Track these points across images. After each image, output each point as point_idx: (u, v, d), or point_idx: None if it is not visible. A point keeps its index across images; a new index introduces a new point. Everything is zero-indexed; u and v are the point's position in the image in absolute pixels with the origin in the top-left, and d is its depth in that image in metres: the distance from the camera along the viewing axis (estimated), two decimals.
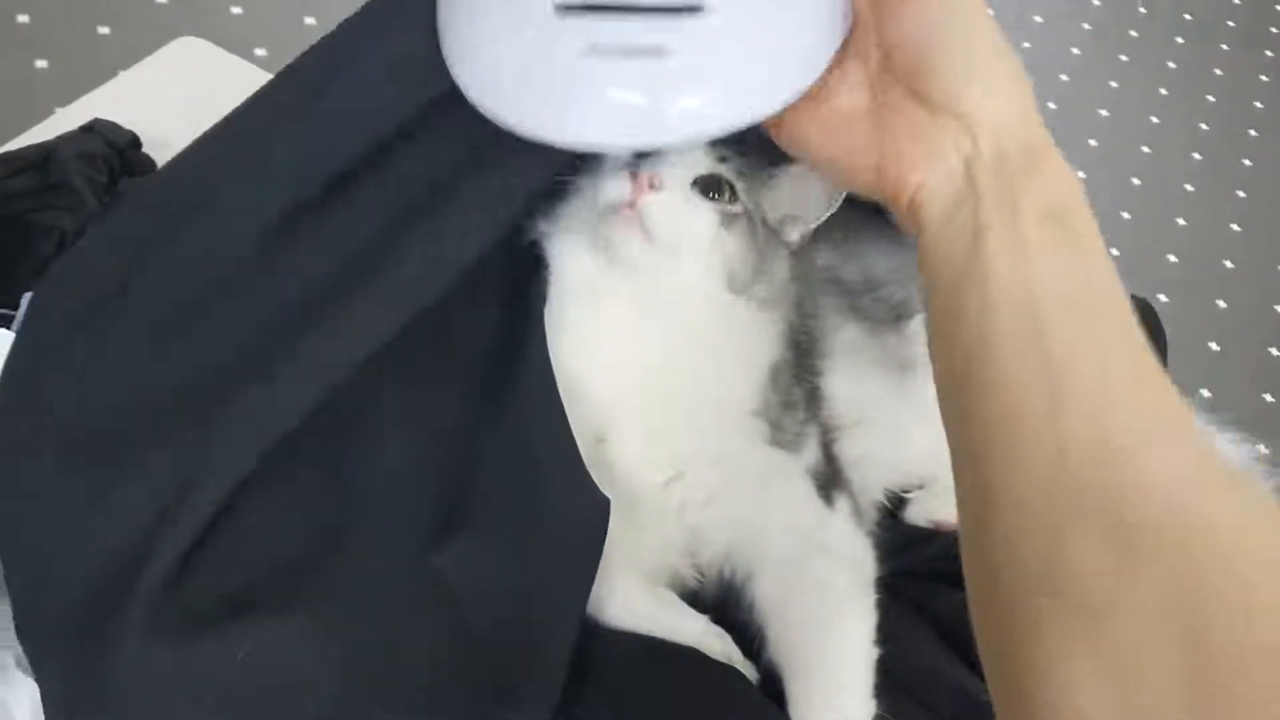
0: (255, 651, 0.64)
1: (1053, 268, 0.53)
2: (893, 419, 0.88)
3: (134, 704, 0.64)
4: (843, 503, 0.81)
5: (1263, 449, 1.02)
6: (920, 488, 0.91)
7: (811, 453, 0.81)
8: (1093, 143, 2.64)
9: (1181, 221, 2.52)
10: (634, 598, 0.76)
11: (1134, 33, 2.97)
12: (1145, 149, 2.67)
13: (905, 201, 0.57)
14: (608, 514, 0.71)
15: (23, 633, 0.67)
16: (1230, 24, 3.11)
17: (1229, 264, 2.46)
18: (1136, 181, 2.58)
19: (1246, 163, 2.72)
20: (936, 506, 0.90)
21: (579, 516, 0.71)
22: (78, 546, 0.67)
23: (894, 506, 0.91)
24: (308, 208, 0.71)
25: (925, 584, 0.82)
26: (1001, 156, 0.55)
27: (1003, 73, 0.57)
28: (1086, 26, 2.94)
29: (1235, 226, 2.55)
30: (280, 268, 0.71)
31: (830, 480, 0.81)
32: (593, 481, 0.72)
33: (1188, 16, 3.07)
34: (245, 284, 0.70)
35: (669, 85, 0.60)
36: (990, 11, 0.59)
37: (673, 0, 0.58)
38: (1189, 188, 2.61)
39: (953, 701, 0.74)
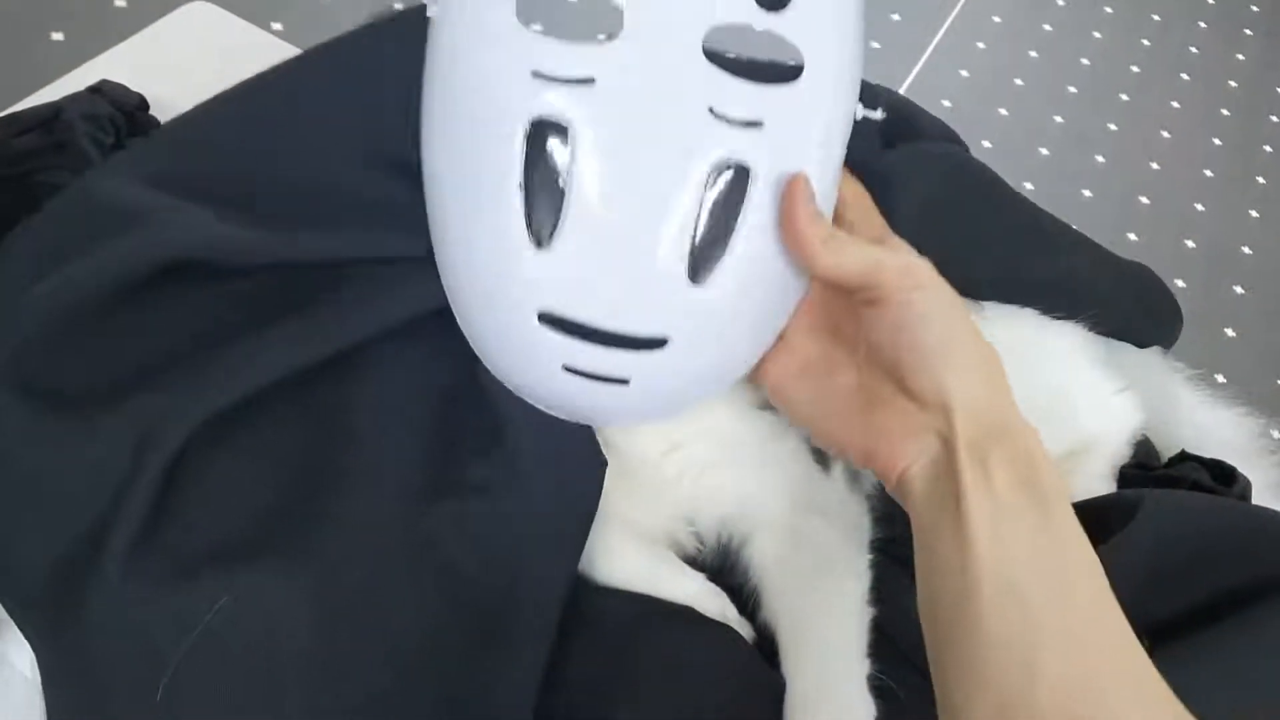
0: (236, 595, 0.64)
1: (1023, 536, 0.59)
2: None
3: (115, 650, 0.64)
4: (838, 469, 0.80)
5: (1276, 434, 1.02)
6: None
7: None
8: (1112, 127, 2.63)
9: (1200, 207, 2.50)
10: (629, 557, 0.76)
11: (1156, 16, 2.95)
12: (1165, 134, 2.65)
13: (893, 479, 0.64)
14: (603, 475, 0.72)
15: (4, 590, 0.68)
16: (1254, 8, 3.08)
17: (1247, 250, 2.44)
18: (1155, 166, 2.56)
19: (1267, 149, 2.69)
20: None
21: (574, 475, 0.71)
22: (50, 499, 0.67)
23: None
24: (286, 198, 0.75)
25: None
26: (975, 434, 0.61)
27: (976, 360, 0.64)
28: (1108, 10, 2.92)
29: (1254, 213, 2.53)
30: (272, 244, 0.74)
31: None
32: (596, 439, 0.72)
33: (1210, 1, 3.05)
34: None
35: (628, 404, 0.71)
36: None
37: (640, 335, 0.66)
38: (1208, 173, 2.59)
39: None
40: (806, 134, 0.68)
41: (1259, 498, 0.92)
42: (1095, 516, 0.78)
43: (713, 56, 0.64)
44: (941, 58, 2.63)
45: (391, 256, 0.74)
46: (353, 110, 0.76)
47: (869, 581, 0.76)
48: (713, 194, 0.65)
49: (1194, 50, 2.89)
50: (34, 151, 0.94)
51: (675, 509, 0.80)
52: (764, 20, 0.65)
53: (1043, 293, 0.91)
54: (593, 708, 0.69)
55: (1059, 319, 0.93)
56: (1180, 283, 2.29)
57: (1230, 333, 2.25)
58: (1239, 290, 2.35)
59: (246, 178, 0.76)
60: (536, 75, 0.64)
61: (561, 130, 0.64)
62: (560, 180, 0.64)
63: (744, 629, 0.75)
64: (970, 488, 0.60)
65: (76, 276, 0.71)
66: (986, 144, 2.45)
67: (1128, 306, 0.98)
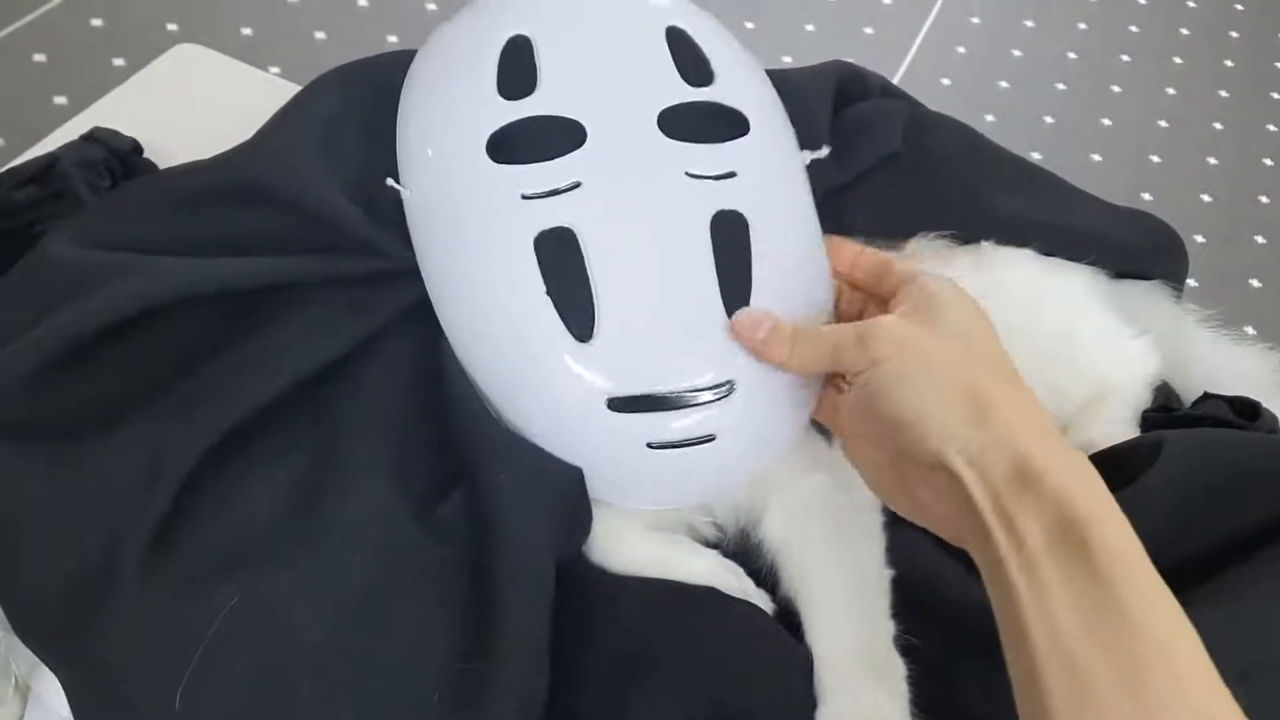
0: (247, 596, 0.66)
1: (1066, 598, 0.55)
2: None
3: (135, 663, 0.66)
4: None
5: None
6: None
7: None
8: (1116, 89, 2.61)
9: (1213, 160, 2.48)
10: (639, 544, 0.76)
11: None
12: (1171, 90, 2.63)
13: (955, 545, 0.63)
14: (580, 478, 0.74)
15: (20, 628, 0.69)
16: None
17: (1264, 199, 2.42)
18: (1164, 124, 2.54)
19: (1275, 95, 2.67)
20: None
21: (545, 476, 0.73)
22: (56, 529, 0.69)
23: None
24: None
25: None
26: (993, 489, 0.58)
27: (960, 407, 0.61)
28: None
29: (1268, 161, 2.50)
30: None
31: None
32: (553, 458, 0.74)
33: None
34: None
35: (721, 463, 0.73)
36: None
37: (707, 384, 0.70)
38: (1218, 126, 2.57)
39: (967, 615, 0.72)
40: (774, 173, 0.78)
41: None
42: (1119, 463, 0.78)
43: (671, 133, 0.75)
44: (938, 33, 2.63)
45: (350, 276, 0.79)
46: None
47: (885, 543, 0.76)
48: (720, 241, 0.73)
49: (1191, 4, 2.87)
50: (33, 203, 0.95)
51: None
52: (699, 94, 0.77)
53: (1040, 233, 0.91)
54: (616, 694, 0.69)
55: (1066, 260, 0.93)
56: (1199, 238, 2.28)
57: (1255, 283, 2.23)
58: (1261, 240, 2.33)
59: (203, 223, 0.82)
60: (525, 197, 0.72)
61: (566, 233, 0.71)
62: (581, 277, 0.71)
63: (764, 601, 0.75)
64: (1007, 556, 0.57)
65: (55, 327, 0.74)
66: (989, 117, 2.45)
67: (1130, 243, 0.98)
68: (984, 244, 0.91)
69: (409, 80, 0.83)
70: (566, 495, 0.73)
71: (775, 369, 0.72)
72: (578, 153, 0.73)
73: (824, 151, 0.83)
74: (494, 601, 0.68)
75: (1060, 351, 0.90)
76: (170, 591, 0.67)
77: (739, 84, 0.80)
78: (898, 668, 0.71)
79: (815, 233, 0.79)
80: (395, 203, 0.80)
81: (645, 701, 0.69)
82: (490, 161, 0.73)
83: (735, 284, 0.72)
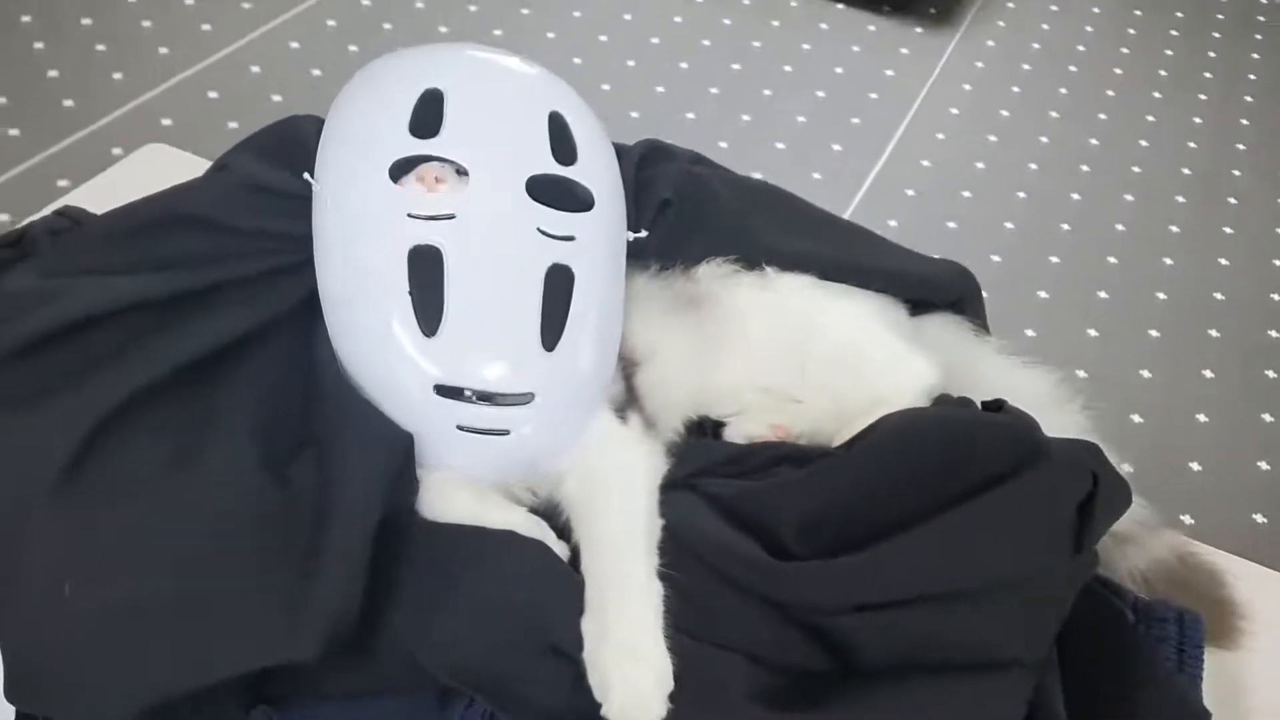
0: (122, 522, 0.87)
1: None
2: (684, 352, 1.06)
3: (38, 566, 0.86)
4: (634, 419, 1.00)
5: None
6: (737, 415, 1.10)
7: (616, 385, 1.01)
8: (1075, 196, 2.77)
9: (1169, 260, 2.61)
10: (457, 499, 0.94)
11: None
12: (1128, 196, 2.79)
13: None
14: (407, 446, 0.93)
15: None
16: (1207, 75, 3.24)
17: (1219, 295, 2.54)
18: (1120, 227, 2.69)
19: (1232, 201, 2.81)
20: (752, 429, 1.08)
21: (374, 454, 0.91)
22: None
23: (716, 430, 1.10)
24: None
25: (718, 479, 0.99)
26: None
27: None
28: (1062, 91, 3.09)
29: (1224, 260, 2.63)
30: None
31: (626, 404, 1.01)
32: (388, 424, 0.93)
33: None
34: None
35: (509, 453, 0.95)
36: None
37: (513, 393, 0.92)
38: (1174, 229, 2.71)
39: (721, 556, 0.91)
40: (604, 244, 0.99)
41: None
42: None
43: (534, 195, 0.94)
44: (905, 149, 2.82)
45: (245, 277, 1.00)
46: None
47: (657, 498, 0.94)
48: (550, 286, 0.93)
49: (1151, 118, 3.04)
50: (6, 262, 1.15)
51: None
52: (563, 170, 0.97)
53: (819, 264, 1.11)
54: (423, 611, 0.87)
55: (853, 287, 1.12)
56: (1154, 333, 2.41)
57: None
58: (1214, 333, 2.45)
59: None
60: (410, 216, 0.92)
61: (434, 251, 0.91)
62: (438, 287, 0.90)
63: (561, 549, 0.93)
64: None
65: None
66: (951, 224, 2.61)
67: (920, 274, 1.18)
68: (767, 269, 1.09)
69: (340, 97, 1.04)
70: (395, 452, 0.91)
71: (572, 391, 0.94)
72: (458, 193, 0.94)
73: (643, 234, 1.07)
74: (323, 530, 0.87)
75: (842, 362, 1.08)
76: (67, 517, 0.87)
77: (594, 169, 1.00)
78: (655, 589, 0.88)
79: (621, 293, 1.02)
80: (299, 208, 1.00)
81: (448, 615, 0.87)
82: (389, 181, 0.94)
83: (553, 321, 0.93)
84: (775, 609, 0.89)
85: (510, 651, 0.86)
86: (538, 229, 0.94)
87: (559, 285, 0.94)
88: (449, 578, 0.88)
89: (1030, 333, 2.36)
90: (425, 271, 0.91)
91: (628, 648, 0.84)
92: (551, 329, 0.93)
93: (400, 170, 0.94)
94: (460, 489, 0.94)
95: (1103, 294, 2.51)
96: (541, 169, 0.96)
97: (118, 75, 2.59)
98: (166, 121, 2.50)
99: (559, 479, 0.96)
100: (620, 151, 1.10)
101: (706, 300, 1.08)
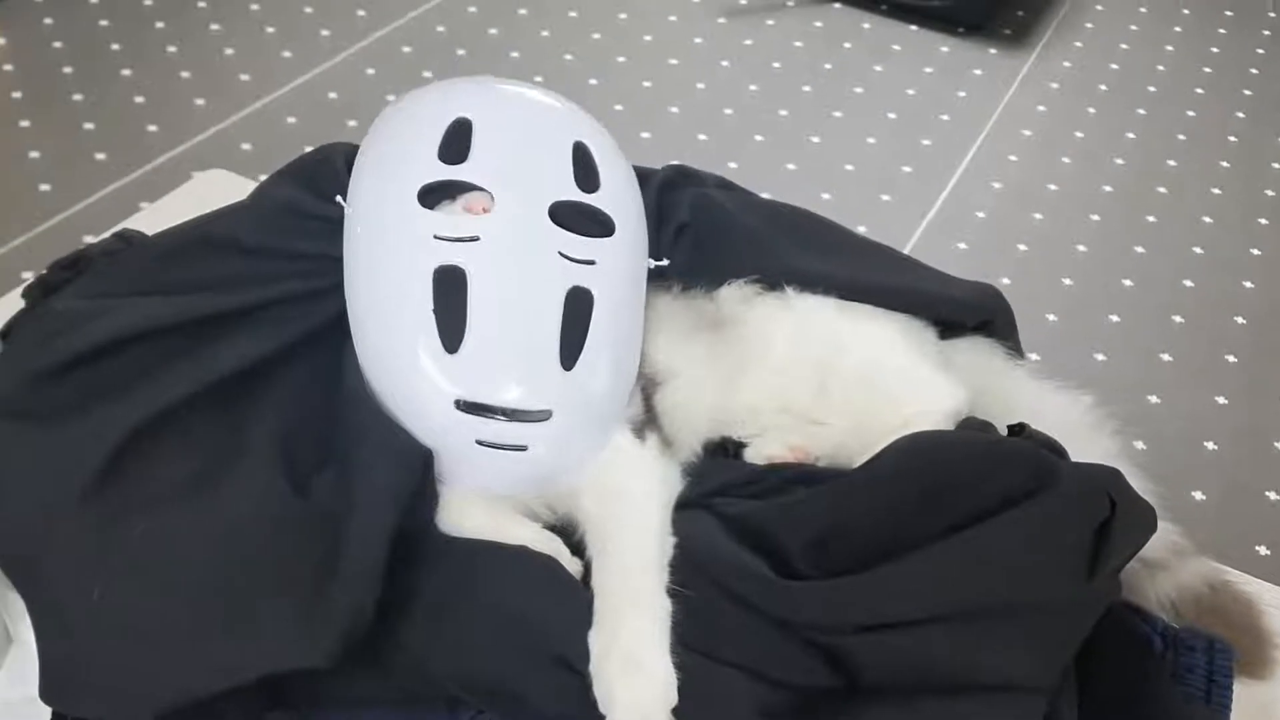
0: (149, 528, 0.90)
1: None
2: (705, 373, 1.07)
3: (68, 571, 0.90)
4: (652, 439, 1.02)
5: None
6: (758, 436, 1.11)
7: (634, 403, 1.02)
8: (1139, 249, 2.73)
9: (1240, 320, 2.55)
10: (474, 515, 0.96)
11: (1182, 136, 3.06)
12: (1198, 249, 2.74)
13: None
14: (424, 460, 0.95)
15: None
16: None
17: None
18: (1189, 284, 2.64)
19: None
20: (772, 450, 1.09)
21: (392, 467, 0.94)
22: (32, 474, 0.94)
23: (737, 451, 1.11)
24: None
25: (732, 499, 1.00)
26: None
27: None
28: (1129, 136, 3.05)
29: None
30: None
31: (644, 424, 1.03)
32: (407, 438, 0.96)
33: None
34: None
35: (526, 468, 0.97)
36: None
37: (532, 409, 0.95)
38: (1248, 285, 2.65)
39: (728, 573, 0.93)
40: (624, 269, 1.03)
41: None
42: None
43: (557, 220, 0.98)
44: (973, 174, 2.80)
45: (280, 298, 1.04)
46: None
47: (670, 516, 0.96)
48: (569, 308, 0.96)
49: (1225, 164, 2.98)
50: (65, 282, 1.20)
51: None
52: (585, 197, 1.01)
53: (838, 284, 1.12)
54: (435, 619, 0.90)
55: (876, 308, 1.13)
56: (1221, 399, 2.35)
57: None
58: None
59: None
60: (437, 238, 0.96)
61: (458, 272, 0.95)
62: (461, 306, 0.94)
63: (574, 566, 0.95)
64: None
65: (47, 351, 1.00)
66: (1022, 246, 2.58)
67: (948, 295, 1.18)
68: (788, 290, 1.10)
69: (375, 125, 1.09)
70: (413, 466, 0.94)
71: (588, 410, 0.97)
72: (484, 217, 0.98)
73: (665, 262, 1.10)
74: (340, 538, 0.90)
75: (864, 383, 1.08)
76: (96, 524, 0.91)
77: (616, 197, 1.04)
78: (663, 604, 0.89)
79: (640, 317, 1.05)
80: (331, 231, 1.05)
81: (458, 627, 0.90)
82: (418, 204, 0.98)
83: (572, 343, 0.96)
84: (781, 627, 0.90)
85: (518, 664, 0.89)
86: (559, 252, 0.98)
87: (578, 307, 0.97)
88: (461, 590, 0.90)
89: (1100, 357, 2.32)
90: (449, 291, 0.94)
91: (633, 660, 0.85)
92: (570, 349, 0.96)
93: (433, 196, 0.98)
94: (477, 505, 0.97)
95: (1178, 318, 2.45)
96: (565, 195, 1.00)
97: (200, 101, 2.68)
98: (246, 146, 2.57)
99: (575, 495, 0.98)
100: (644, 177, 1.13)
101: (728, 322, 1.10)
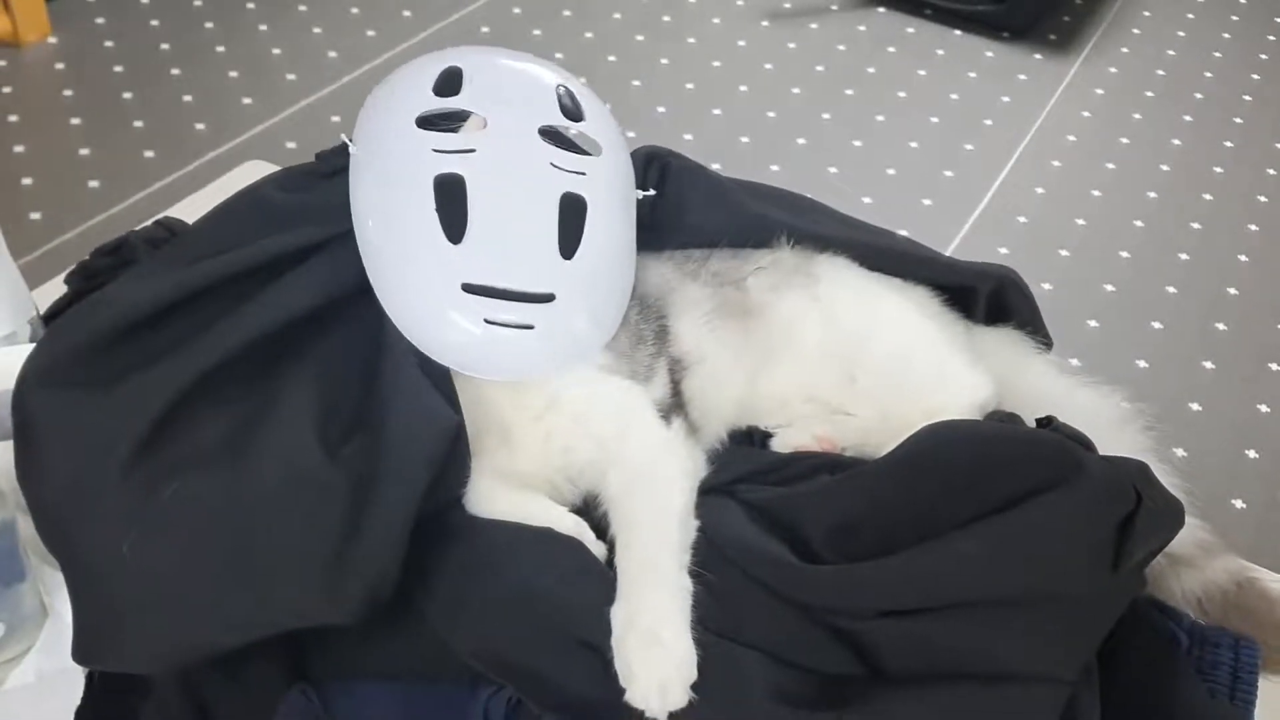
0: (179, 489, 0.92)
1: None
2: (732, 360, 1.08)
3: (103, 532, 0.92)
4: (677, 423, 1.03)
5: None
6: (785, 426, 1.11)
7: (660, 386, 1.03)
8: (1183, 256, 2.71)
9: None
10: (501, 497, 0.97)
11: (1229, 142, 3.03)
12: (1243, 257, 2.71)
13: None
14: (454, 427, 0.96)
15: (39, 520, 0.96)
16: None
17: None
18: (1233, 291, 2.62)
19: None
20: (798, 439, 1.10)
21: (421, 428, 0.95)
22: (77, 439, 0.96)
23: (765, 440, 1.12)
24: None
25: (754, 485, 1.01)
26: None
27: None
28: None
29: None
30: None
31: (671, 408, 1.04)
32: (438, 403, 0.97)
33: None
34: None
35: (534, 348, 1.01)
36: None
37: (536, 291, 1.00)
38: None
39: (749, 557, 0.94)
40: (613, 185, 1.08)
41: None
42: None
43: (545, 139, 1.04)
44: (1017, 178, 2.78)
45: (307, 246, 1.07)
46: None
47: (693, 500, 0.96)
48: (564, 209, 1.01)
49: (1272, 171, 2.94)
50: (106, 269, 1.23)
51: (550, 463, 1.02)
52: (571, 125, 1.07)
53: (838, 243, 1.17)
54: (455, 598, 0.92)
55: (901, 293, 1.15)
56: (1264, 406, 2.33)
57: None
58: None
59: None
60: (435, 151, 1.02)
61: (457, 178, 1.00)
62: (462, 206, 0.99)
63: (598, 549, 0.96)
64: None
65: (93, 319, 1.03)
66: (1064, 251, 2.56)
67: (957, 264, 1.21)
68: (813, 274, 1.14)
69: (374, 89, 1.14)
70: (443, 431, 0.95)
71: (589, 298, 1.03)
72: (478, 133, 1.03)
73: (651, 192, 1.15)
74: (368, 498, 0.91)
75: (892, 373, 1.09)
76: (132, 487, 0.93)
77: (600, 128, 1.10)
78: (684, 584, 0.90)
79: (633, 239, 1.10)
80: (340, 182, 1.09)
81: (480, 604, 0.91)
82: (415, 127, 1.03)
83: (569, 236, 1.01)
84: (801, 611, 0.91)
85: (538, 641, 0.90)
86: (550, 163, 1.03)
87: (573, 209, 1.02)
88: (485, 569, 0.92)
89: (1142, 363, 2.31)
90: (450, 196, 1.00)
91: (653, 636, 0.86)
92: (568, 242, 1.01)
93: (430, 124, 1.04)
94: (504, 486, 0.98)
95: (1221, 326, 2.43)
96: (552, 121, 1.06)
97: (247, 100, 2.72)
98: (291, 144, 2.60)
99: (601, 472, 0.99)
100: None
101: (757, 310, 1.11)
